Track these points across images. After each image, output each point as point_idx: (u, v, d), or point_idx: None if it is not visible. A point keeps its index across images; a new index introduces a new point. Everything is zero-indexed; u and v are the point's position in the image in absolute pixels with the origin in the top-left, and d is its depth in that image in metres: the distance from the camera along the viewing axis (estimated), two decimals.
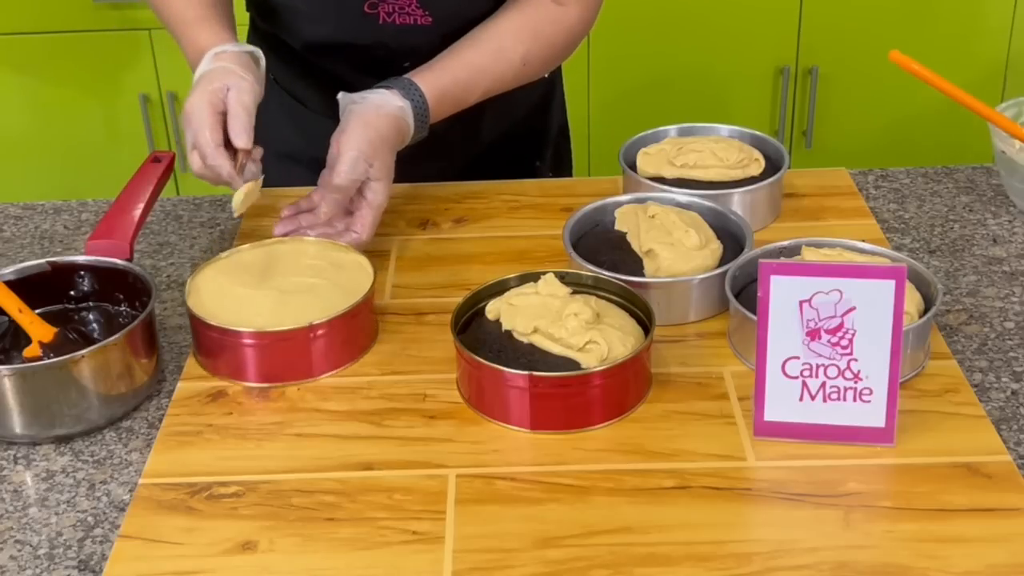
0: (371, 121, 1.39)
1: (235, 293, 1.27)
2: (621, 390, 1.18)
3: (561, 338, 1.18)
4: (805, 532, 1.04)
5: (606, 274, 1.29)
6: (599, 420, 1.17)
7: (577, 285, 1.27)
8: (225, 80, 1.35)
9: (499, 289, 1.27)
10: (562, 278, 1.25)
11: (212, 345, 1.25)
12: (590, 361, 1.16)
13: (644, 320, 1.23)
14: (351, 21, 1.52)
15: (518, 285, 1.27)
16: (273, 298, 1.27)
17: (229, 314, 1.24)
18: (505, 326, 1.22)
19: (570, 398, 1.15)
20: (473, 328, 1.25)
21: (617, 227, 1.41)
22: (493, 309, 1.25)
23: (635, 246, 1.36)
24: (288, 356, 1.23)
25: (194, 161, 1.34)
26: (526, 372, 1.15)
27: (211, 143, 1.32)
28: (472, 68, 1.48)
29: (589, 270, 1.31)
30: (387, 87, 1.43)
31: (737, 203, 1.45)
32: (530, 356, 1.19)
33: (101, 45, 2.89)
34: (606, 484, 1.10)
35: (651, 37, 2.91)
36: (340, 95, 1.43)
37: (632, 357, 1.16)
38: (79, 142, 2.98)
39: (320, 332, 1.23)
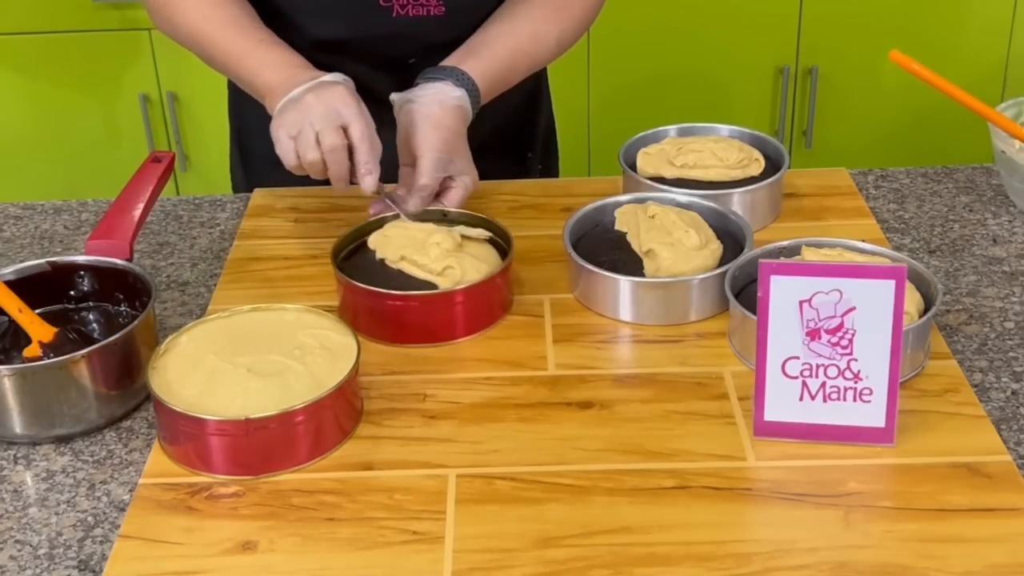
0: (440, 120, 1.42)
1: (206, 362, 1.17)
2: (478, 308, 1.31)
3: (424, 264, 1.31)
4: (805, 532, 1.04)
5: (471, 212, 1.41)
6: (458, 335, 1.30)
7: (443, 221, 1.39)
8: (359, 98, 1.38)
9: (379, 224, 1.39)
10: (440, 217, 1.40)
11: (177, 433, 1.15)
12: (446, 283, 1.29)
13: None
14: (364, 15, 1.52)
15: (394, 220, 1.39)
16: (240, 377, 1.15)
17: (193, 386, 1.15)
18: (378, 255, 1.35)
19: (430, 315, 1.29)
20: (356, 259, 1.37)
21: (617, 227, 1.41)
22: (373, 240, 1.37)
23: (635, 246, 1.36)
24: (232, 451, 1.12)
25: (333, 137, 1.33)
26: (393, 292, 1.28)
27: (371, 127, 1.35)
28: (512, 52, 1.51)
29: (587, 268, 1.31)
30: (438, 78, 1.45)
31: (737, 203, 1.45)
32: (398, 280, 1.31)
33: (101, 45, 2.89)
34: (606, 484, 1.09)
35: (651, 37, 2.91)
36: (393, 96, 1.46)
37: (485, 280, 1.29)
38: (79, 142, 2.98)
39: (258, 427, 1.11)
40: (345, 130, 1.35)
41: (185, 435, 1.12)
